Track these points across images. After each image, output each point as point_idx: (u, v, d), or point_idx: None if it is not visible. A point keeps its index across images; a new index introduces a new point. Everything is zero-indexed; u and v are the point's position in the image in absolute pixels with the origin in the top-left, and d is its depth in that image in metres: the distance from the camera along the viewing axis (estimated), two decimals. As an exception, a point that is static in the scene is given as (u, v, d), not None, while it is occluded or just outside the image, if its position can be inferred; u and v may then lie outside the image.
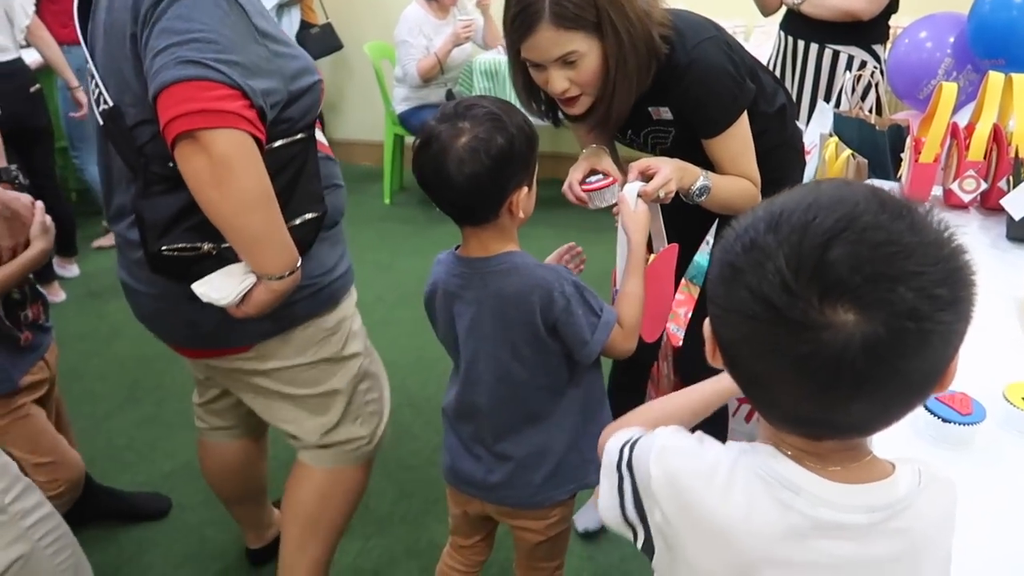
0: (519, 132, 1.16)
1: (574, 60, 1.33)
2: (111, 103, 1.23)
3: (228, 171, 1.13)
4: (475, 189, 1.15)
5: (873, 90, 2.26)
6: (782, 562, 0.66)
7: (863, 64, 2.51)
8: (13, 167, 1.67)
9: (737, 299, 0.60)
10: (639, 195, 1.34)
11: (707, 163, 1.49)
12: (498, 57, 3.85)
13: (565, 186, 1.48)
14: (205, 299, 1.25)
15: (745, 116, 1.48)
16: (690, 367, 1.84)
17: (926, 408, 0.94)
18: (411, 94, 3.97)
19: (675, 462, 0.70)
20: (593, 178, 1.50)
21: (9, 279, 1.51)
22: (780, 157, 1.62)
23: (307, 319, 1.41)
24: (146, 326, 1.47)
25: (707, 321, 0.69)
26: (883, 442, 0.91)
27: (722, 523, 0.66)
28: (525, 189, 1.20)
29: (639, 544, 0.75)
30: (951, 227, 0.59)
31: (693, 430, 0.76)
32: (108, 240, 3.81)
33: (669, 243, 1.46)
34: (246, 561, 1.96)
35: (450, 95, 3.99)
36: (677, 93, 1.44)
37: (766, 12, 2.73)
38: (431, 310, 1.34)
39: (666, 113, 1.50)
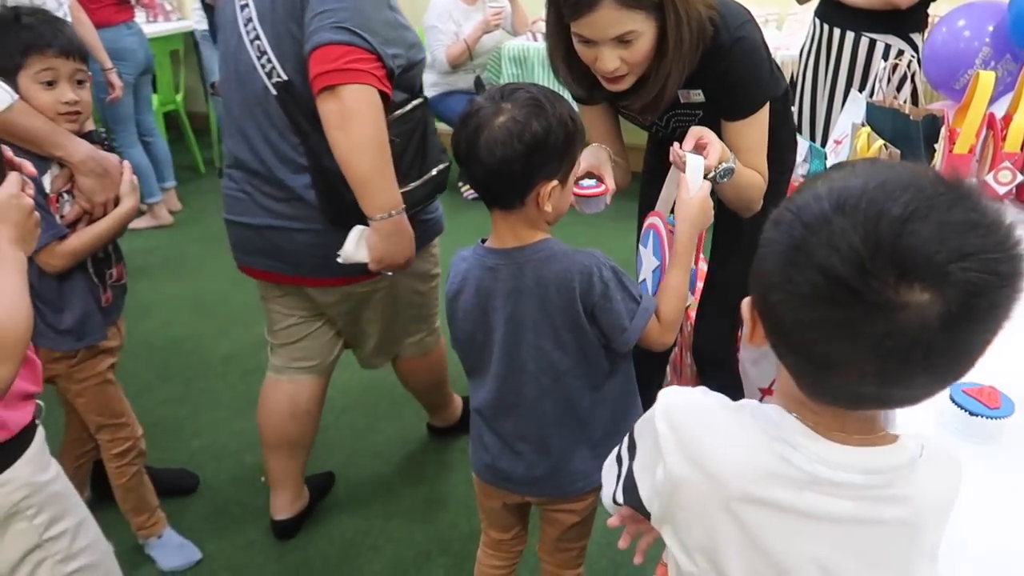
0: (558, 123, 1.15)
1: (630, 40, 1.30)
2: (285, 77, 1.52)
3: (352, 118, 1.44)
4: (502, 171, 1.14)
5: (909, 80, 2.22)
6: (775, 503, 0.67)
7: (900, 53, 2.46)
8: (101, 130, 1.73)
9: (805, 281, 0.59)
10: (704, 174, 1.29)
11: None
12: (527, 44, 3.84)
13: None
14: (347, 262, 1.58)
15: (767, 107, 1.48)
16: (704, 354, 1.86)
17: (953, 401, 0.92)
18: (440, 80, 3.98)
19: (680, 414, 0.73)
20: (587, 182, 1.47)
21: (105, 234, 1.61)
22: (781, 138, 1.65)
23: (431, 239, 1.89)
24: (279, 265, 1.73)
25: (746, 302, 0.69)
26: (911, 434, 0.90)
27: (720, 464, 0.69)
28: (555, 183, 1.17)
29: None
30: (999, 206, 0.60)
31: (699, 363, 0.81)
32: (143, 222, 3.87)
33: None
34: (271, 536, 1.99)
35: (479, 82, 3.98)
36: (717, 73, 1.43)
37: (800, 1, 2.68)
38: (454, 309, 1.30)
39: (697, 96, 1.49)
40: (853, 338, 0.59)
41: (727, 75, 1.42)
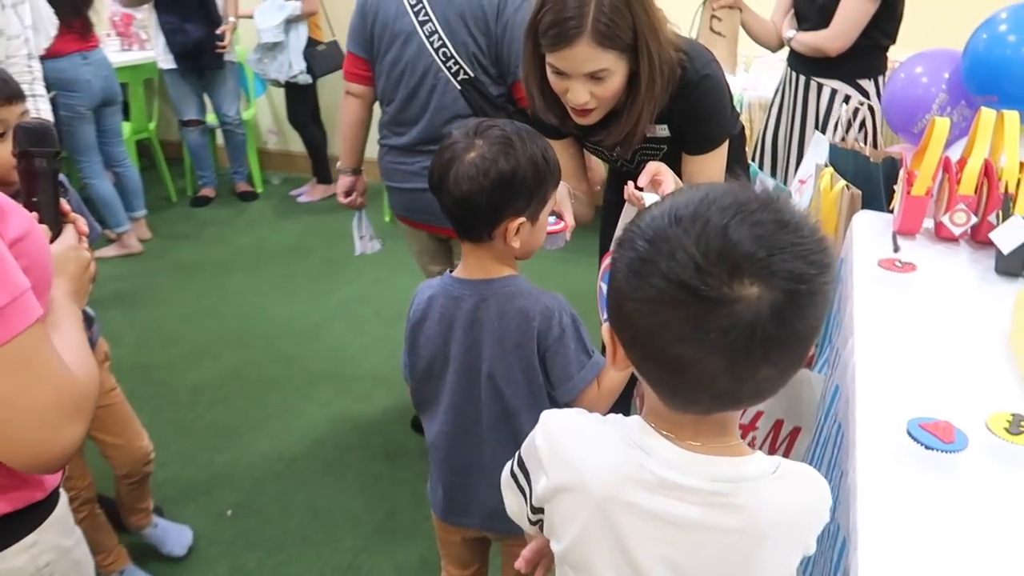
0: (528, 162, 1.16)
1: (602, 77, 1.36)
2: (471, 74, 1.90)
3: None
4: (469, 205, 1.17)
5: (860, 125, 2.30)
6: (632, 505, 0.74)
7: (847, 98, 2.55)
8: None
9: (652, 288, 0.66)
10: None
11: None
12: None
13: None
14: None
15: (727, 143, 1.57)
16: None
17: (909, 435, 0.95)
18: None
19: (556, 433, 0.82)
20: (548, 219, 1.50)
21: None
22: (736, 174, 1.72)
23: None
24: (431, 219, 2.09)
25: (605, 327, 0.75)
26: (867, 467, 0.93)
27: (585, 468, 0.77)
28: (523, 220, 1.19)
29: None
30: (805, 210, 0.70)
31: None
32: (112, 250, 3.83)
33: None
34: (239, 570, 1.96)
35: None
36: (684, 108, 1.48)
37: (771, 49, 2.78)
38: (416, 335, 1.30)
39: (662, 131, 1.54)
40: (700, 335, 0.65)
41: (693, 110, 1.48)
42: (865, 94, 2.52)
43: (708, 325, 0.64)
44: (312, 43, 4.30)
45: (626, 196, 1.37)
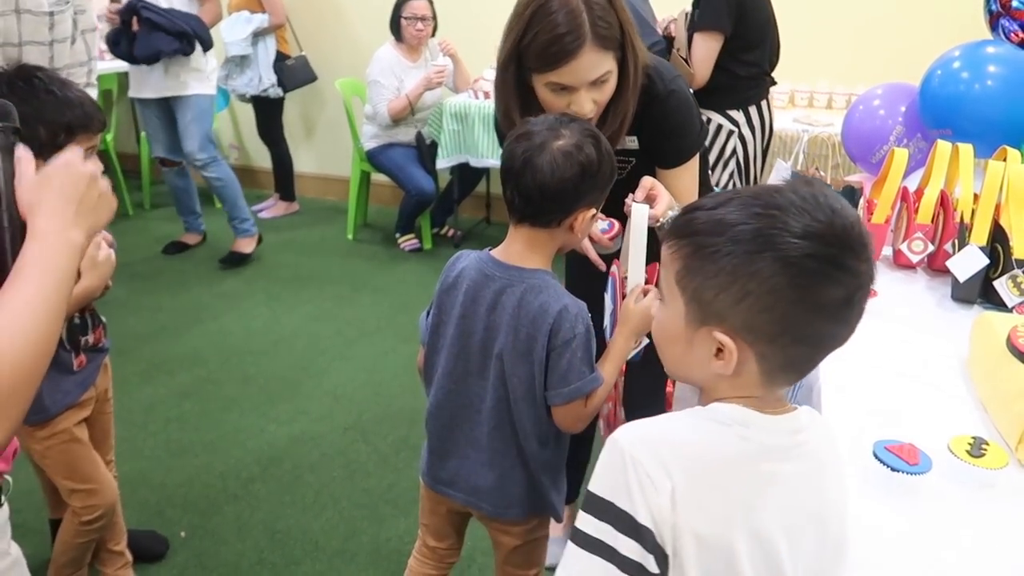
0: (608, 157, 1.25)
1: (605, 80, 1.35)
2: None
3: None
4: (557, 188, 1.19)
5: (731, 153, 2.45)
6: (748, 477, 0.76)
7: (719, 128, 2.65)
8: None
9: (766, 275, 0.72)
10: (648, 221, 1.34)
11: None
12: (468, 101, 3.91)
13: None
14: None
15: (698, 157, 1.59)
16: (635, 406, 1.89)
17: (875, 457, 0.97)
18: (380, 132, 4.01)
19: (655, 438, 0.76)
20: (603, 225, 1.49)
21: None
22: (701, 193, 1.74)
23: None
24: None
25: (716, 332, 0.75)
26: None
27: (693, 455, 0.75)
28: (593, 211, 1.25)
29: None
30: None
31: (629, 416, 0.87)
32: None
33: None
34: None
35: (420, 137, 4.04)
36: (653, 121, 1.49)
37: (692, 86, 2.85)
38: (443, 301, 1.33)
39: (632, 142, 1.55)
40: (850, 310, 0.75)
41: (664, 122, 1.49)
42: (736, 123, 2.64)
43: (857, 298, 0.75)
44: (281, 57, 4.27)
45: (625, 209, 1.38)
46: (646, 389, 1.89)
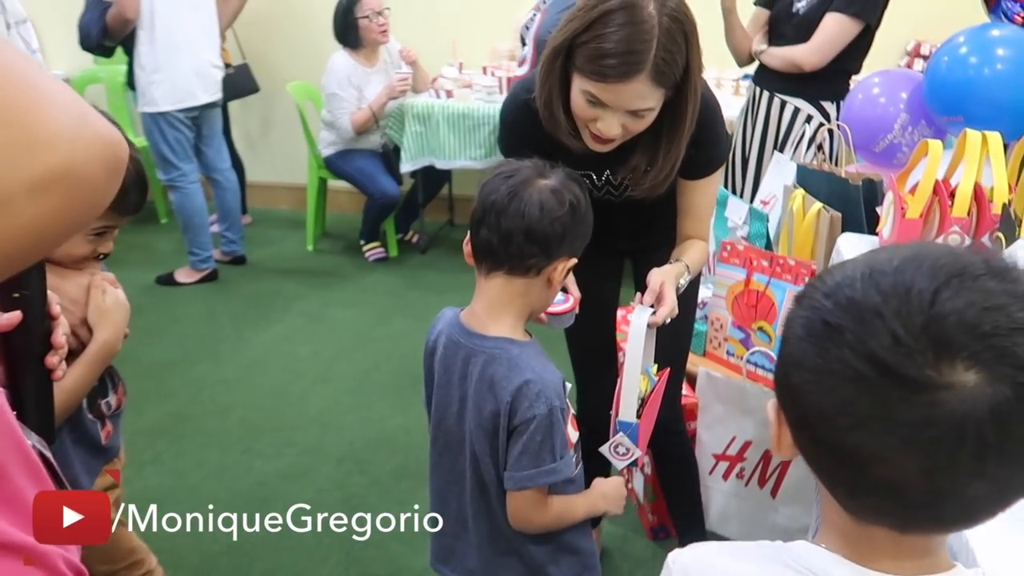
0: (588, 204, 1.18)
1: (644, 114, 1.27)
2: None
3: None
4: (543, 227, 1.09)
5: (815, 147, 2.31)
6: None
7: (809, 118, 2.57)
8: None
9: (835, 359, 0.55)
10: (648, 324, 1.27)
11: (665, 214, 1.53)
12: (431, 101, 3.74)
13: None
14: None
15: (722, 168, 1.54)
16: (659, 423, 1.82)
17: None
18: (338, 138, 3.81)
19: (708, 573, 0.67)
20: (559, 296, 1.38)
21: (76, 388, 1.24)
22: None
23: None
24: None
25: (771, 404, 0.63)
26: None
27: None
28: (573, 261, 1.15)
29: None
30: None
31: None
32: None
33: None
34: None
35: (385, 144, 3.89)
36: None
37: (740, 62, 2.77)
38: (429, 366, 1.26)
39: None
40: (886, 425, 0.53)
41: (699, 132, 1.41)
42: (827, 116, 2.54)
43: (900, 414, 0.52)
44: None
45: (628, 315, 1.34)
46: (667, 402, 1.80)
